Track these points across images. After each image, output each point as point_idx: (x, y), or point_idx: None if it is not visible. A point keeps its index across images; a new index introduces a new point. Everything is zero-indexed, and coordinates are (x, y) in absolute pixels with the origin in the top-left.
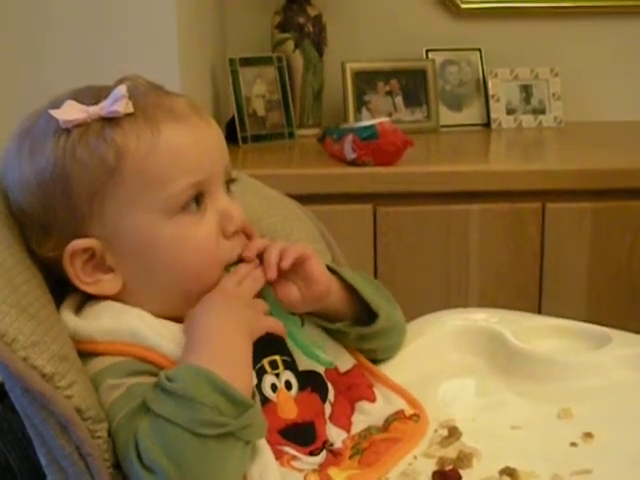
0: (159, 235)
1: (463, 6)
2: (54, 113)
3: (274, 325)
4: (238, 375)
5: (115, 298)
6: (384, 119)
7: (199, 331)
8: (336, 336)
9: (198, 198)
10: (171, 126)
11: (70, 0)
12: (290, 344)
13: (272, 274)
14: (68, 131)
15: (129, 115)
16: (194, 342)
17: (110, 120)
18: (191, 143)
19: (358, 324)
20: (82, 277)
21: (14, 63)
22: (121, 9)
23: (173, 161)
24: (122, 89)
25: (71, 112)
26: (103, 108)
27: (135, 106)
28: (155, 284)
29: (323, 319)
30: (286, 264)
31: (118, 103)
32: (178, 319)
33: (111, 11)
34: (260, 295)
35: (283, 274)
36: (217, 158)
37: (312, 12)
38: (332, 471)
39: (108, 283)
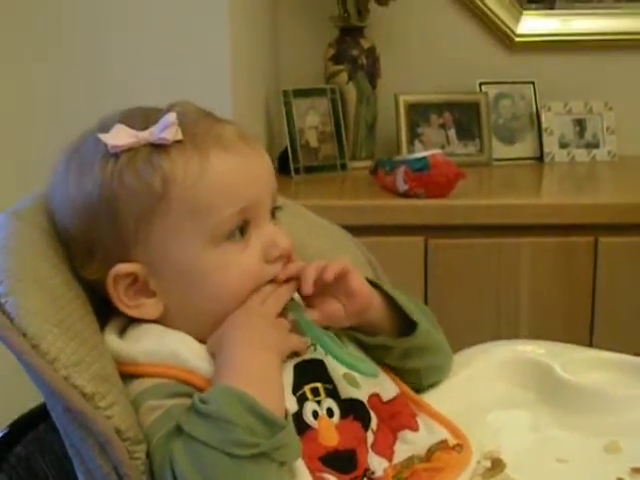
0: (203, 262)
1: (517, 39)
2: (103, 137)
3: (299, 343)
4: (269, 395)
5: (157, 321)
6: (436, 151)
7: (228, 352)
8: (379, 358)
9: (243, 227)
10: (219, 154)
11: (127, 30)
12: (332, 372)
13: (307, 289)
14: (116, 155)
15: (177, 142)
16: (224, 364)
17: (158, 146)
18: (238, 172)
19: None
20: (125, 300)
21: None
22: (176, 40)
23: (220, 189)
24: (172, 116)
25: (120, 137)
26: (152, 134)
27: (184, 133)
28: (197, 309)
29: (364, 334)
30: (329, 276)
31: (167, 130)
32: None
33: (166, 42)
34: (287, 314)
35: (325, 290)
36: (264, 186)
37: (365, 44)
38: None
39: (150, 307)
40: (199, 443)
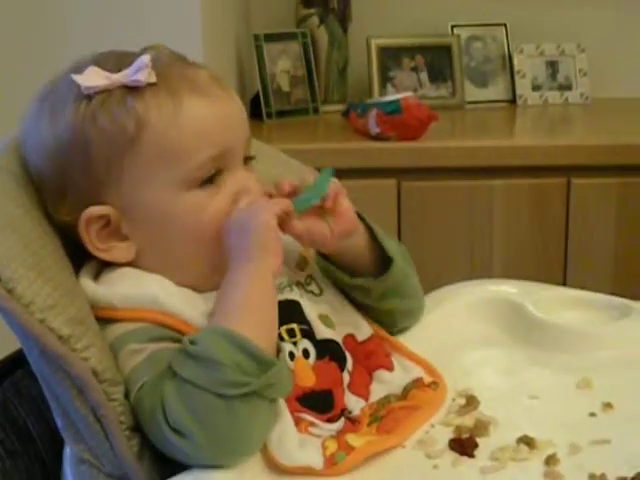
0: (175, 207)
1: None
2: (76, 78)
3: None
4: (263, 331)
5: (131, 265)
6: (408, 94)
7: (232, 275)
8: (358, 298)
9: (217, 174)
10: (193, 99)
11: None
12: (308, 313)
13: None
14: (89, 97)
15: (151, 85)
16: (225, 293)
17: (132, 89)
18: (212, 117)
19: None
20: (96, 243)
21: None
22: None
23: (193, 134)
24: (146, 58)
25: (93, 78)
26: (126, 76)
27: (158, 76)
28: (170, 254)
29: (346, 272)
30: (332, 190)
31: (141, 72)
32: (199, 290)
33: None
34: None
35: (312, 210)
36: (238, 133)
37: None
38: (350, 437)
39: (122, 250)
40: (189, 384)
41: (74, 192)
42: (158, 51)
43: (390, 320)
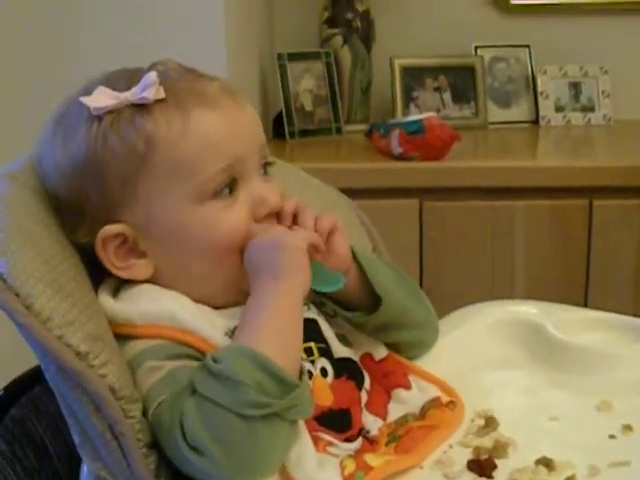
0: (190, 221)
1: (512, 2)
2: (85, 100)
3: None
4: (287, 352)
5: (149, 282)
6: (431, 114)
7: (258, 293)
8: (355, 328)
9: (231, 185)
10: (201, 111)
11: None
12: (325, 331)
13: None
14: (100, 118)
15: (160, 101)
16: (250, 310)
17: (141, 107)
18: (222, 128)
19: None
20: (115, 262)
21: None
22: (170, 3)
23: (203, 147)
24: (152, 75)
25: (102, 99)
26: (134, 94)
27: (166, 92)
28: (187, 269)
29: (339, 306)
30: (324, 225)
31: (148, 90)
32: (216, 307)
33: (160, 5)
34: None
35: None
36: (250, 141)
37: (360, 7)
38: (368, 457)
39: (141, 268)
40: (210, 402)
41: (91, 213)
42: (166, 66)
43: (396, 350)
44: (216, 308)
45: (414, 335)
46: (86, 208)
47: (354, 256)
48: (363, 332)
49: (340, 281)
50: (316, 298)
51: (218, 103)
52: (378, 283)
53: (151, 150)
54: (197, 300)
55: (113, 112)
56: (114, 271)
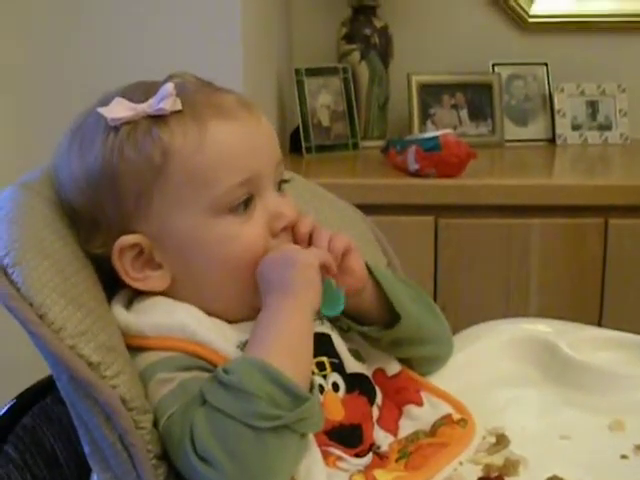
0: (206, 234)
1: (530, 20)
2: (102, 111)
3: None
4: (298, 365)
5: (164, 294)
6: (448, 131)
7: (269, 309)
8: (368, 343)
9: (248, 200)
10: (218, 124)
11: (138, 6)
12: (338, 346)
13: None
14: (117, 129)
15: (177, 113)
16: (261, 324)
17: (158, 118)
18: (239, 142)
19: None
20: (131, 273)
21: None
22: (187, 18)
23: (219, 160)
24: (169, 87)
25: (119, 110)
26: (151, 106)
27: (183, 103)
28: (202, 282)
29: (353, 321)
30: (338, 246)
31: (165, 101)
32: (229, 321)
33: (177, 20)
34: None
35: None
36: (266, 155)
37: (378, 24)
38: (378, 473)
39: (157, 279)
40: (220, 413)
41: (106, 224)
42: (183, 79)
43: (409, 365)
44: (229, 322)
45: (429, 350)
46: (101, 219)
47: (370, 272)
48: (377, 347)
49: (342, 305)
50: None
51: (235, 115)
52: (397, 300)
53: (167, 161)
54: (210, 313)
55: (130, 123)
56: (129, 282)
